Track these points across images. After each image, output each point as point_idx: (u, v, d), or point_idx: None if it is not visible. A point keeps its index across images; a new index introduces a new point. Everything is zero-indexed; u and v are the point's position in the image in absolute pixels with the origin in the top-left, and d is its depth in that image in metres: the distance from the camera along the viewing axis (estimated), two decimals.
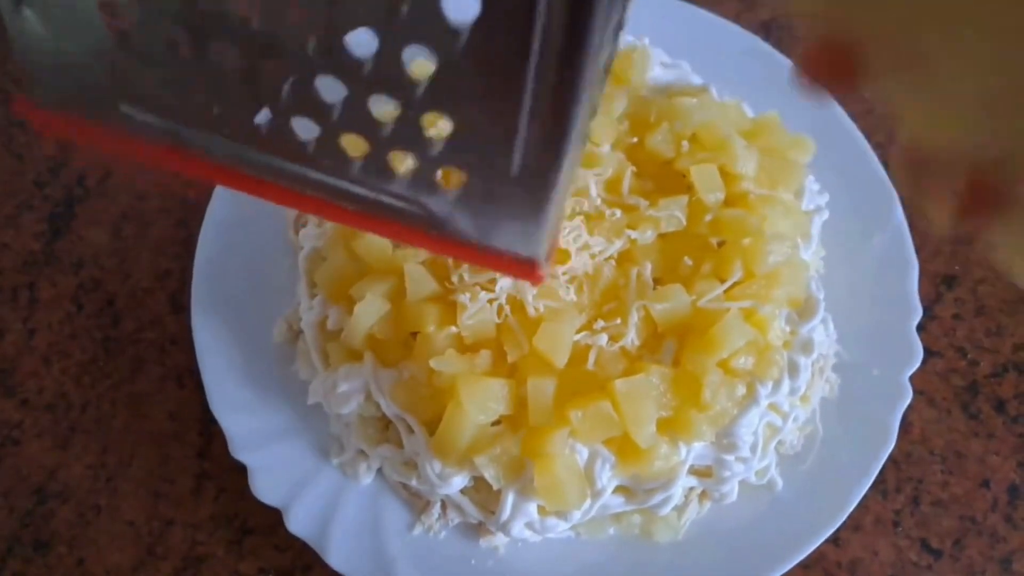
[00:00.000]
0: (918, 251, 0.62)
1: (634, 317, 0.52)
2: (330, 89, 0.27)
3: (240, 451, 0.57)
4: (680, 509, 0.56)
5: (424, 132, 0.27)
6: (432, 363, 0.50)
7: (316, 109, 0.28)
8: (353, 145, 0.29)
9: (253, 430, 0.58)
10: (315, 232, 0.59)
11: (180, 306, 0.66)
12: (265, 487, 0.56)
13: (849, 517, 0.56)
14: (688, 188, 0.56)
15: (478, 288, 0.51)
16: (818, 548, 0.55)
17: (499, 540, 0.56)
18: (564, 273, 0.53)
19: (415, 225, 0.31)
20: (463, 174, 0.29)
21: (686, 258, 0.55)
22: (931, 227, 0.26)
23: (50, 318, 0.67)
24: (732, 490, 0.56)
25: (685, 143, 0.57)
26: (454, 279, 0.52)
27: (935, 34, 0.22)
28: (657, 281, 0.55)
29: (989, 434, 0.63)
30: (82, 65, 0.29)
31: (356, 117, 0.28)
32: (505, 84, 0.25)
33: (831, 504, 0.56)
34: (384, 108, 0.27)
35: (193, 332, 0.60)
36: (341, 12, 0.25)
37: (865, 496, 0.56)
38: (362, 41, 0.25)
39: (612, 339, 0.52)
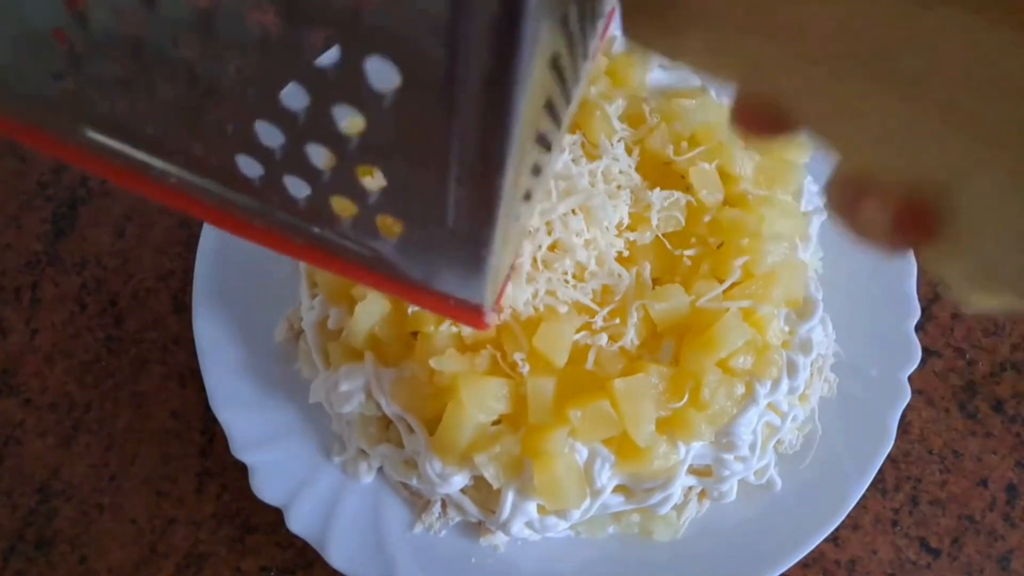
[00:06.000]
0: None
1: (633, 317, 0.52)
2: (270, 134, 0.27)
3: (241, 450, 0.57)
4: (679, 508, 0.56)
5: (360, 182, 0.27)
6: (432, 362, 0.50)
7: (258, 150, 0.28)
8: (295, 186, 0.29)
9: (254, 429, 0.58)
10: None
11: (182, 306, 0.67)
12: (266, 486, 0.56)
13: (848, 516, 0.56)
14: (687, 189, 0.56)
15: None
16: (817, 547, 0.56)
17: (499, 539, 0.56)
18: (564, 272, 0.53)
19: (364, 264, 0.31)
20: (400, 223, 0.29)
21: (685, 258, 0.55)
22: (865, 246, 0.26)
23: (53, 318, 0.67)
24: (731, 489, 0.56)
25: (684, 144, 0.57)
26: None
27: (835, 86, 0.22)
28: (656, 281, 0.55)
29: (987, 433, 0.64)
30: (40, 82, 0.29)
31: (295, 162, 0.28)
32: (428, 148, 0.25)
33: (830, 503, 0.56)
34: (322, 156, 0.27)
35: (194, 332, 0.60)
36: (273, 68, 0.25)
37: (864, 495, 0.56)
38: (296, 94, 0.25)
39: (611, 339, 0.52)
